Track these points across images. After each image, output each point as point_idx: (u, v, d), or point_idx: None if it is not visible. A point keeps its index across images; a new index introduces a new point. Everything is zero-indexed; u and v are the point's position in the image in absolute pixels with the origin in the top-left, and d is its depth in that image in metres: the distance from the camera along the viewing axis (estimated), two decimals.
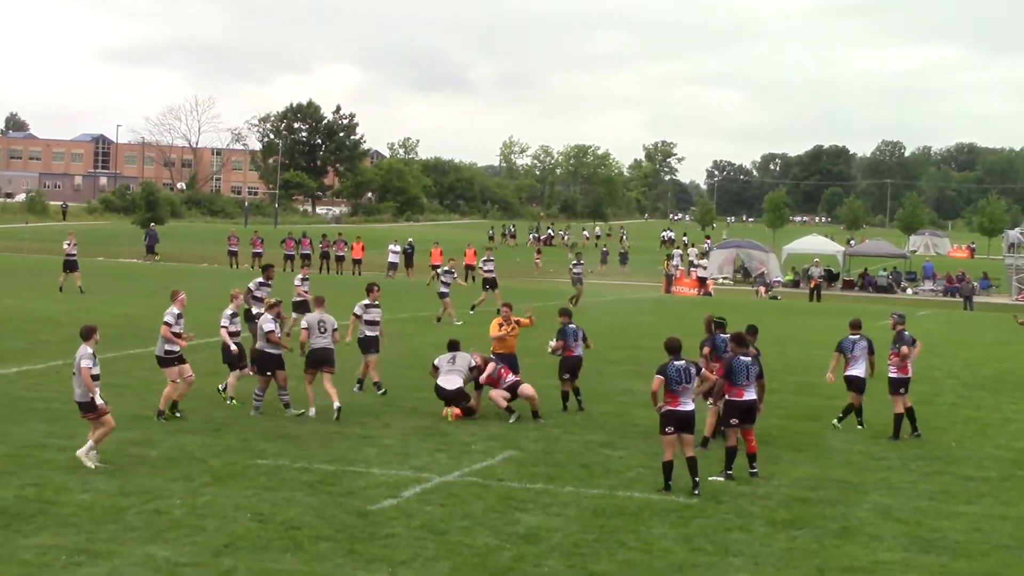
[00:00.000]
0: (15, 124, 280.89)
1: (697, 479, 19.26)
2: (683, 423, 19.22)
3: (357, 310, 28.93)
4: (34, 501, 17.02)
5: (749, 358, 21.48)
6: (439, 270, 51.40)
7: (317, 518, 16.77)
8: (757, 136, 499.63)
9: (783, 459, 22.60)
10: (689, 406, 19.30)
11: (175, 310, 24.39)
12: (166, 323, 24.17)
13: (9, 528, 15.69)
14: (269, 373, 24.98)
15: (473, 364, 25.95)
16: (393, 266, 77.67)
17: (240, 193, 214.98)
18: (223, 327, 26.03)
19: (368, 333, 29.02)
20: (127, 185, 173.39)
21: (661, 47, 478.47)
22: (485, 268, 56.58)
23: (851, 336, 25.83)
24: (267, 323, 25.12)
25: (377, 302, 29.27)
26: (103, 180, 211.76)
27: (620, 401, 27.36)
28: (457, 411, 25.31)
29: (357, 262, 78.96)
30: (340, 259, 79.83)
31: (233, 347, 25.99)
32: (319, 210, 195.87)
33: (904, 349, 25.33)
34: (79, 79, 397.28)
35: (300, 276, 41.44)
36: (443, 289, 47.67)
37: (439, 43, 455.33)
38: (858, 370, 25.70)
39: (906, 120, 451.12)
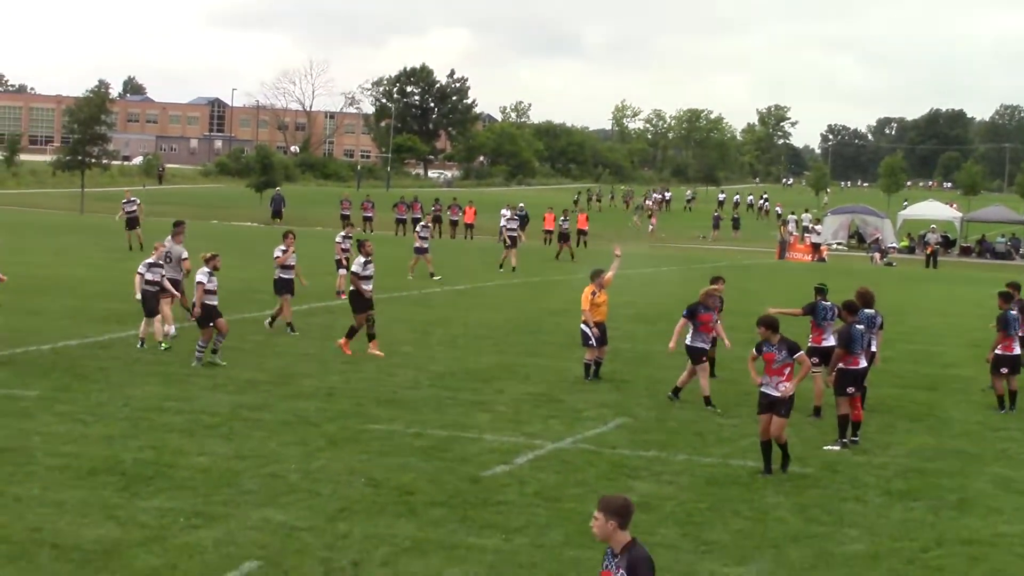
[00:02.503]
0: (133, 88, 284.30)
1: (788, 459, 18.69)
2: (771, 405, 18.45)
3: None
4: (152, 464, 17.23)
5: (863, 326, 21.28)
6: (417, 225, 51.59)
7: (430, 484, 16.82)
8: (872, 100, 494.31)
9: (899, 428, 22.33)
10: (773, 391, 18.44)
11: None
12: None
13: (128, 490, 15.90)
14: (211, 324, 25.66)
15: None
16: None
17: (353, 157, 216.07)
18: (139, 273, 27.46)
19: (283, 276, 30.67)
20: (242, 148, 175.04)
21: (775, 10, 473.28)
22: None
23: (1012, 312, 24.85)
24: (200, 275, 26.00)
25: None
26: (218, 143, 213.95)
27: (734, 368, 27.11)
28: None
29: (469, 227, 79.06)
30: (454, 223, 79.94)
31: (138, 295, 27.30)
32: (431, 174, 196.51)
33: None
34: (195, 43, 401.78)
35: (342, 234, 41.70)
36: (420, 244, 47.50)
37: (552, 6, 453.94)
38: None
39: None
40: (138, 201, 58.11)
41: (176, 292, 28.16)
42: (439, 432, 20.13)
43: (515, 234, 54.91)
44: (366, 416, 21.20)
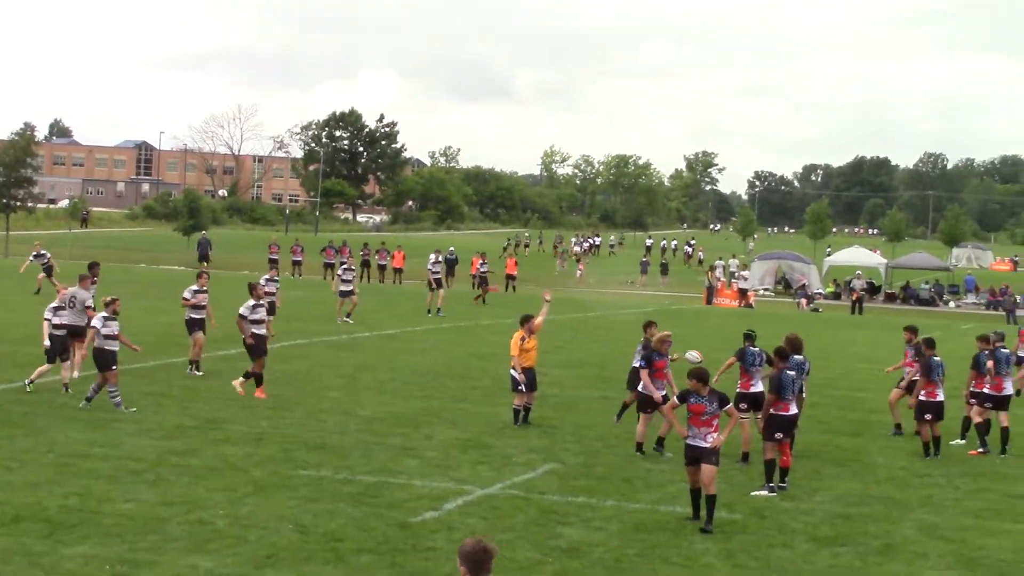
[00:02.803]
0: (59, 130, 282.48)
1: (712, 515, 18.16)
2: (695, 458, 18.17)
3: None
4: (77, 510, 17.05)
5: (794, 372, 21.43)
6: (340, 268, 51.25)
7: (359, 530, 16.75)
8: (799, 147, 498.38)
9: (825, 474, 22.48)
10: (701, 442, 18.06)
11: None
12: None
13: (52, 538, 15.72)
14: (112, 368, 25.46)
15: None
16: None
17: (281, 200, 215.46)
18: (46, 319, 27.56)
19: (194, 316, 31.32)
20: (169, 192, 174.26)
21: (703, 58, 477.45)
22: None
23: (985, 351, 25.99)
24: (96, 320, 26.02)
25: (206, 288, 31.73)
26: (145, 187, 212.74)
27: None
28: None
29: (398, 271, 79.01)
30: (382, 268, 79.87)
31: (46, 342, 27.38)
32: (360, 218, 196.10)
33: (991, 364, 25.85)
34: (122, 86, 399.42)
35: (266, 277, 40.87)
36: (343, 288, 47.33)
37: (481, 52, 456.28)
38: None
39: (949, 132, 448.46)
40: (48, 255, 57.78)
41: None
42: (368, 478, 20.07)
43: (439, 276, 54.82)
44: (294, 461, 21.09)
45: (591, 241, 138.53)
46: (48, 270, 55.38)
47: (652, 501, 19.56)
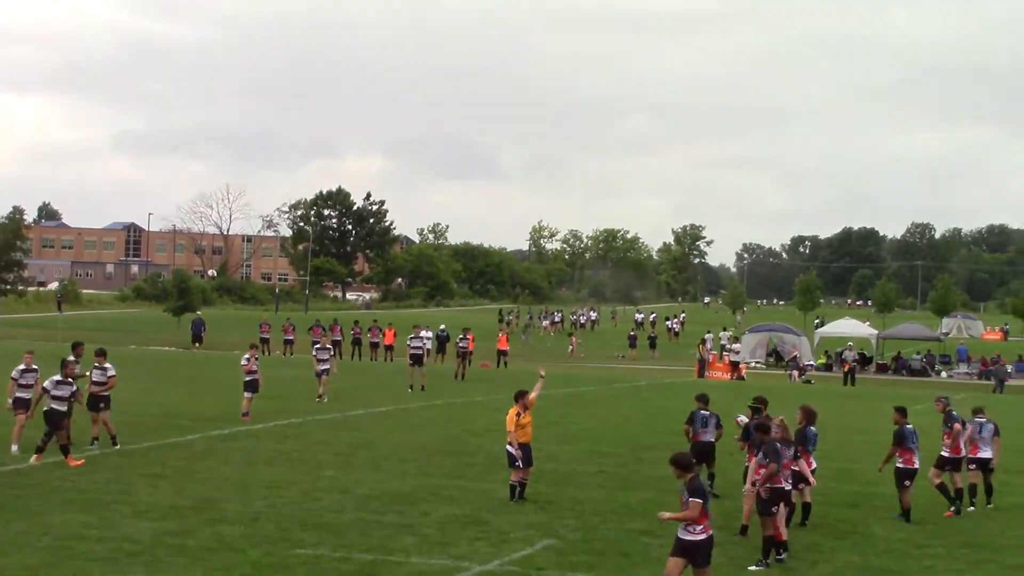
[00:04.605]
0: (48, 213, 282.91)
1: None
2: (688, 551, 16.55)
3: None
4: None
5: (779, 445, 21.41)
6: (314, 348, 50.10)
7: None
8: (786, 219, 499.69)
9: (824, 547, 22.39)
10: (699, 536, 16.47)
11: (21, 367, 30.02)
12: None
13: None
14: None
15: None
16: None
17: (270, 280, 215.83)
18: (44, 389, 29.04)
19: (94, 391, 31.48)
20: (158, 273, 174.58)
21: (689, 131, 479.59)
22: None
23: (977, 419, 27.59)
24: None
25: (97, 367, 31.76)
26: (134, 268, 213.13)
27: (659, 488, 27.16)
28: None
29: (389, 348, 79.04)
30: (374, 345, 79.89)
31: (9, 403, 30.08)
32: (349, 296, 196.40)
33: (957, 427, 26.86)
34: (110, 168, 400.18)
35: (247, 356, 39.94)
36: (321, 367, 46.19)
37: (467, 129, 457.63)
38: (985, 452, 27.49)
39: (936, 202, 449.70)
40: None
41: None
42: (365, 556, 19.97)
43: (419, 353, 54.70)
44: (291, 541, 20.99)
45: (589, 316, 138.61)
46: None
47: (651, 575, 19.45)
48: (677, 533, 16.49)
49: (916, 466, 25.27)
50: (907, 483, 25.22)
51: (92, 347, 33.48)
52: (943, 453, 26.81)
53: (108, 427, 31.10)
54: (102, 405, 31.17)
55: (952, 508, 26.20)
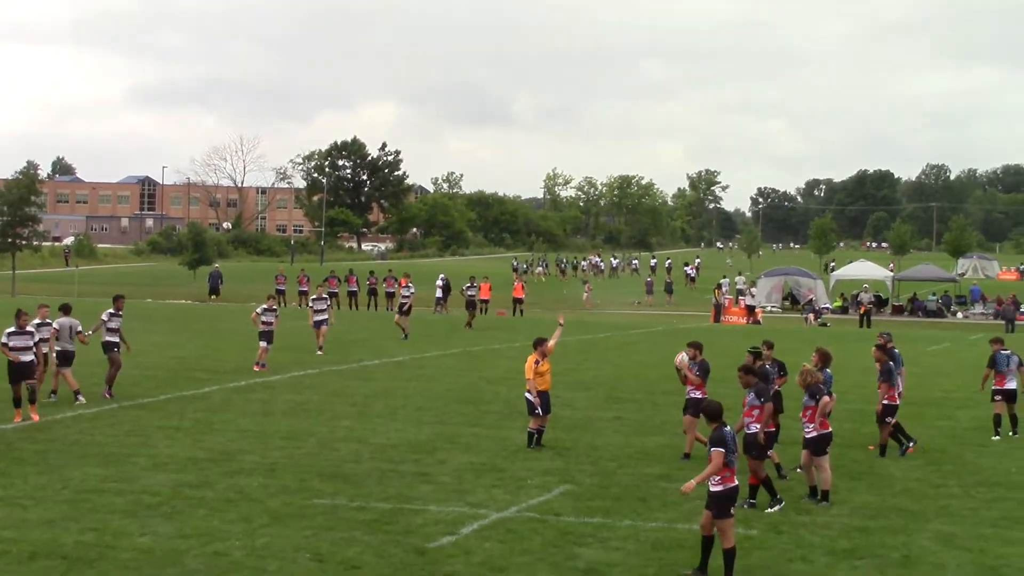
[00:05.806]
0: (62, 168, 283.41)
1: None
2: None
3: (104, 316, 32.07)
4: (94, 546, 17.03)
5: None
6: (311, 298, 49.43)
7: (376, 557, 16.73)
8: (801, 162, 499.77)
9: (841, 488, 22.40)
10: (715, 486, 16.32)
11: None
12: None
13: (70, 574, 15.71)
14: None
15: None
16: (440, 301, 77.69)
17: (286, 232, 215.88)
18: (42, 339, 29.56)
19: (109, 339, 32.08)
20: (173, 226, 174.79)
21: (703, 76, 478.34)
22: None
23: (1002, 351, 28.51)
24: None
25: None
26: (149, 222, 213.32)
27: (675, 433, 27.19)
28: None
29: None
30: (390, 295, 79.90)
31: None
32: (364, 246, 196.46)
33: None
34: (124, 122, 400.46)
35: (263, 306, 39.93)
36: (317, 318, 45.21)
37: (481, 77, 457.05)
38: (1011, 383, 28.58)
39: (951, 143, 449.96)
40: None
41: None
42: (383, 505, 20.04)
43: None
44: (309, 491, 21.07)
45: (592, 261, 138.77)
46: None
47: (668, 520, 19.50)
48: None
49: (898, 403, 26.14)
50: (889, 419, 25.93)
51: (104, 302, 33.66)
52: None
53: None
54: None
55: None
